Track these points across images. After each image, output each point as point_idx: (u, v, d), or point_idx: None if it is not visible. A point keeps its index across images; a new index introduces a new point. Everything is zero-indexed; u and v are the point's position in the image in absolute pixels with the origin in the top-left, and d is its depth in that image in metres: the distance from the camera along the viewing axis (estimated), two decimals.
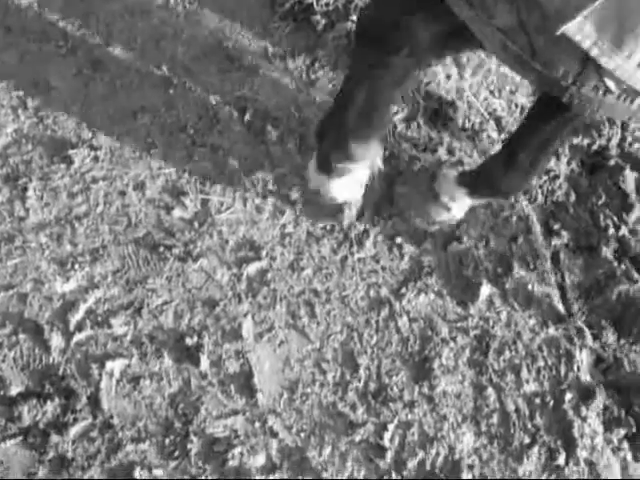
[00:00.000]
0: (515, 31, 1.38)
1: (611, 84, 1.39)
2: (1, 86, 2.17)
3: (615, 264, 2.64)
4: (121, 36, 2.36)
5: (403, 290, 2.26)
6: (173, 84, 2.32)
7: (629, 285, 2.61)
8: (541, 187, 2.70)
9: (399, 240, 2.33)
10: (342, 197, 2.20)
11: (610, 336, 2.51)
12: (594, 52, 1.34)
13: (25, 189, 2.07)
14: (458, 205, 2.34)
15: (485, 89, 2.76)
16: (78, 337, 1.93)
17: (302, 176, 2.31)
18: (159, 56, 2.36)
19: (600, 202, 2.75)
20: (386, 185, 2.36)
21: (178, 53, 2.39)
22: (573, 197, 2.73)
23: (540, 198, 2.67)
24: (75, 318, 1.94)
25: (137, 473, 1.82)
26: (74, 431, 1.84)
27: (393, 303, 2.23)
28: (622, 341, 2.52)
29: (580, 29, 1.32)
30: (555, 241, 2.61)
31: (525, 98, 2.85)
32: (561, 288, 2.55)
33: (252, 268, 2.13)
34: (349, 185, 2.17)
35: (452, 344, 2.23)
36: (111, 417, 1.86)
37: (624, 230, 2.71)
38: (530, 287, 2.43)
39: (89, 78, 2.27)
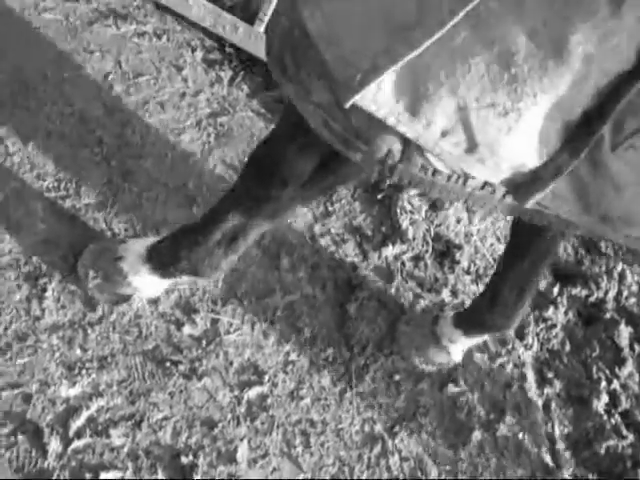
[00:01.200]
0: (332, 107, 1.30)
1: (439, 164, 1.29)
2: (35, 187, 2.26)
3: (605, 418, 2.68)
4: (153, 150, 2.47)
5: (397, 428, 2.30)
6: (197, 202, 2.41)
7: (618, 440, 2.65)
8: (537, 335, 2.77)
9: (397, 377, 2.38)
10: (146, 294, 2.17)
11: None
12: (390, 121, 1.24)
13: (44, 290, 2.13)
14: (456, 347, 2.40)
15: (492, 235, 2.87)
16: (76, 444, 1.96)
17: (310, 305, 2.39)
18: (186, 174, 2.46)
19: (594, 354, 2.82)
20: (389, 322, 2.43)
21: (205, 172, 2.50)
22: (568, 347, 2.80)
23: (536, 345, 2.74)
24: (76, 424, 1.97)
25: None
26: None
27: (386, 440, 2.26)
28: None
29: (374, 99, 1.23)
30: (547, 390, 2.67)
31: None
32: (550, 438, 2.59)
33: (253, 392, 2.18)
34: (162, 286, 2.16)
35: None
36: None
37: (616, 384, 2.77)
38: (521, 436, 2.47)
39: (118, 188, 2.37)
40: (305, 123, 1.39)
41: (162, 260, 2.01)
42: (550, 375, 2.72)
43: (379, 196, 2.71)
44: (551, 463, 2.49)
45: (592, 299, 2.94)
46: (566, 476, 2.51)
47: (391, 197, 2.72)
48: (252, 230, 1.89)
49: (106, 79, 2.56)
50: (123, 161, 2.40)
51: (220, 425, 2.09)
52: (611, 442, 2.64)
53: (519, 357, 2.64)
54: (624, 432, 2.67)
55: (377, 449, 2.24)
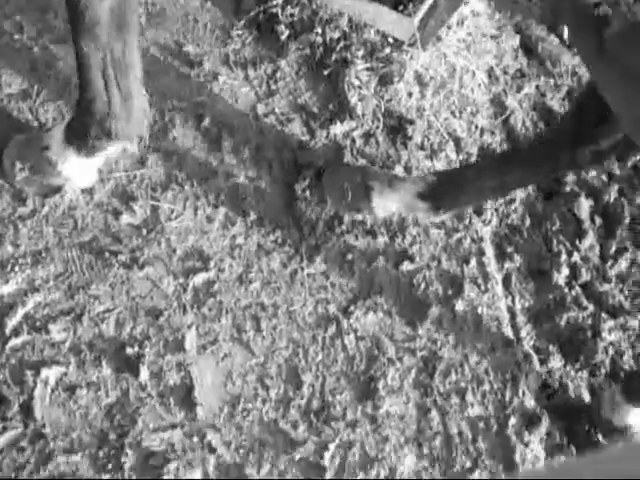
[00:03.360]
0: None
1: None
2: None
3: (566, 290, 2.65)
4: None
5: (352, 308, 2.23)
6: None
7: (578, 312, 2.62)
8: (496, 210, 2.70)
9: (350, 257, 2.31)
10: (79, 183, 2.06)
11: (557, 362, 2.52)
12: None
13: None
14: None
15: (446, 109, 2.76)
16: (14, 342, 1.87)
17: (256, 187, 2.29)
18: None
19: (554, 228, 2.76)
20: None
21: None
22: (528, 221, 2.74)
23: (495, 221, 2.68)
24: (12, 322, 1.89)
25: None
26: (3, 440, 1.78)
27: (341, 320, 2.21)
28: (568, 367, 2.53)
29: None
30: (507, 264, 2.62)
31: (486, 120, 2.85)
32: (511, 312, 2.56)
33: (199, 279, 2.09)
34: (90, 169, 2.05)
35: (398, 364, 2.22)
36: (43, 426, 1.80)
37: (576, 257, 2.73)
38: (480, 310, 2.43)
39: (42, 75, 2.21)
40: None
41: (77, 134, 1.88)
42: (510, 250, 2.66)
43: (325, 72, 2.57)
44: (511, 336, 2.45)
45: None
46: (526, 348, 2.48)
47: (338, 73, 2.58)
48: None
49: None
50: (46, 47, 2.24)
51: (166, 314, 2.02)
52: (571, 313, 2.61)
53: (477, 232, 2.57)
54: (584, 303, 2.64)
55: (332, 330, 2.18)
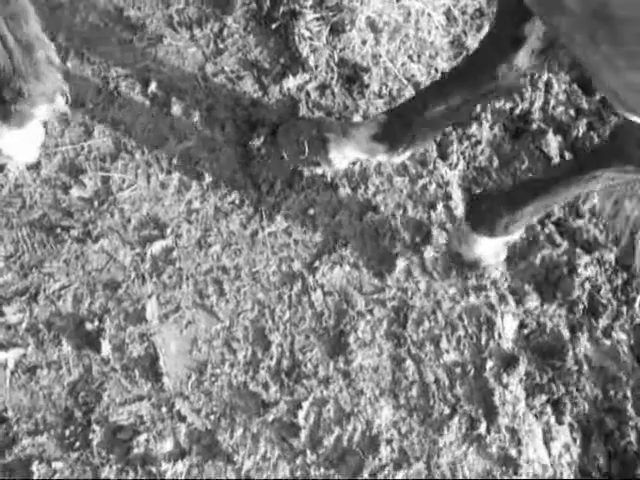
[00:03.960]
0: None
1: None
2: None
3: (538, 228, 2.61)
4: None
5: (317, 263, 2.19)
6: (70, 56, 2.20)
7: (552, 249, 2.58)
8: (462, 153, 2.65)
9: (312, 212, 2.26)
10: (21, 158, 1.98)
11: (533, 301, 2.49)
12: None
13: None
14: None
15: (403, 54, 2.69)
16: None
17: (209, 149, 2.23)
18: (55, 25, 2.23)
19: (523, 167, 2.71)
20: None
21: (76, 22, 2.27)
22: (496, 162, 2.69)
23: (462, 164, 2.63)
24: None
25: (35, 467, 1.73)
26: None
27: (306, 277, 2.16)
28: (545, 306, 2.50)
29: None
30: None
31: (446, 62, 2.79)
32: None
33: (156, 247, 2.05)
34: (30, 143, 1.97)
35: (369, 317, 2.18)
36: (5, 410, 1.77)
37: None
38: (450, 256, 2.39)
39: None
40: None
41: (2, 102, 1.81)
42: (478, 192, 2.61)
43: (273, 25, 2.50)
44: (484, 281, 2.41)
45: (517, 111, 2.80)
46: (502, 290, 2.45)
47: (287, 25, 2.50)
48: None
49: None
50: None
51: (124, 285, 1.97)
52: (545, 252, 2.57)
53: (442, 177, 2.52)
54: (558, 240, 2.60)
55: (297, 287, 2.14)
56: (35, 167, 2.02)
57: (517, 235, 2.30)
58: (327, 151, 2.25)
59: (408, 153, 2.24)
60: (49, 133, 2.08)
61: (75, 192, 2.03)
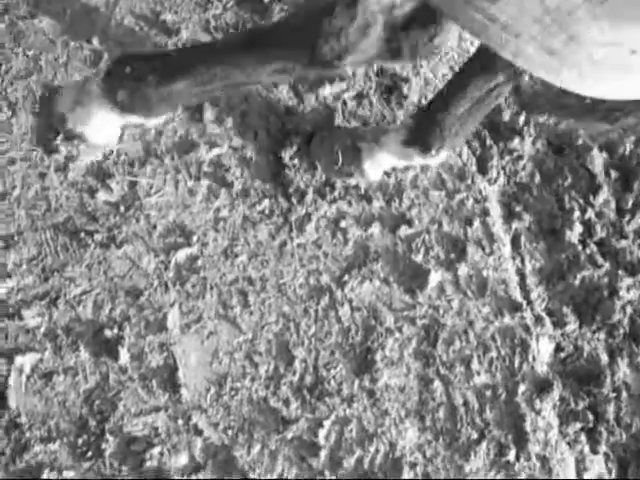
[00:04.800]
0: None
1: None
2: None
3: (579, 248, 2.52)
4: (48, 7, 2.21)
5: (346, 277, 2.13)
6: (103, 59, 2.17)
7: (593, 270, 2.49)
8: (504, 168, 2.58)
9: (344, 224, 2.20)
10: (98, 140, 1.98)
11: (571, 324, 2.40)
12: None
13: None
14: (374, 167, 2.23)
15: (445, 64, 2.62)
16: None
17: (240, 157, 2.18)
18: (89, 29, 2.21)
19: (566, 184, 2.62)
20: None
21: (111, 26, 2.25)
22: (538, 178, 2.61)
23: (502, 179, 2.55)
24: None
25: (46, 475, 1.70)
26: None
27: (334, 291, 2.10)
28: (584, 329, 2.41)
29: None
30: (516, 224, 2.49)
31: None
32: (520, 274, 2.43)
33: (181, 255, 2.00)
34: (115, 128, 1.97)
35: (397, 334, 2.11)
36: (18, 415, 1.74)
37: (590, 213, 2.59)
38: (485, 273, 2.31)
39: (9, 53, 2.13)
40: None
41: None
42: (519, 209, 2.53)
43: None
44: (519, 299, 2.33)
45: (562, 126, 2.72)
46: (538, 311, 2.36)
47: None
48: None
49: None
50: (13, 23, 2.15)
51: (146, 293, 1.93)
52: (586, 272, 2.48)
53: (480, 192, 2.44)
54: (599, 261, 2.50)
55: (324, 301, 2.08)
56: (63, 170, 2.00)
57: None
58: (361, 161, 2.19)
59: (444, 154, 2.18)
60: None
61: (101, 196, 2.00)
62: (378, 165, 2.21)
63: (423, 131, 2.09)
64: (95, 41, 2.21)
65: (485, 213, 2.41)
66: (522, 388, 2.18)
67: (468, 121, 2.06)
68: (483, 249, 2.34)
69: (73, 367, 1.81)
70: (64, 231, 1.94)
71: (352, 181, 2.25)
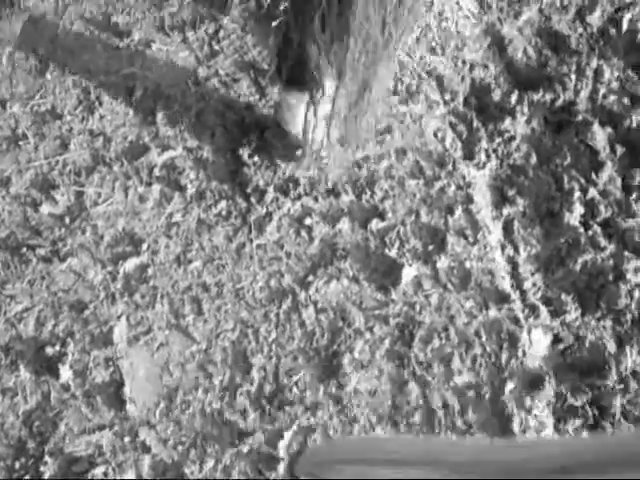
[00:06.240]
0: None
1: None
2: None
3: (580, 231, 2.34)
4: None
5: (310, 278, 2.01)
6: (49, 68, 2.11)
7: (595, 253, 2.31)
8: (495, 151, 2.42)
9: (309, 221, 2.08)
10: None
11: (572, 312, 2.23)
12: None
13: None
14: None
15: (423, 47, 2.48)
16: None
17: (195, 158, 2.08)
18: (36, 37, 2.15)
19: (565, 163, 2.45)
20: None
21: (59, 32, 2.18)
22: (534, 159, 2.44)
23: (493, 163, 2.40)
24: None
25: None
26: None
27: (298, 293, 1.99)
28: (587, 317, 2.23)
29: None
30: (508, 209, 2.33)
31: (475, 53, 2.57)
32: (512, 262, 2.27)
33: (130, 264, 1.92)
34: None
35: (368, 335, 1.98)
36: None
37: (593, 192, 2.41)
38: (468, 264, 2.16)
39: None
40: None
41: None
42: (512, 193, 2.37)
43: (274, 23, 2.34)
44: (508, 289, 2.17)
45: (559, 103, 2.54)
46: (533, 301, 2.20)
47: (288, 22, 2.34)
48: None
49: None
50: None
51: (92, 306, 1.85)
52: (587, 256, 2.30)
53: (464, 178, 2.29)
54: (602, 243, 2.32)
55: (286, 304, 1.96)
56: (5, 184, 1.93)
57: None
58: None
59: None
60: (22, 148, 1.99)
61: (45, 209, 1.93)
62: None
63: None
64: (42, 50, 2.14)
65: (469, 200, 2.25)
66: (510, 386, 2.02)
67: None
68: (466, 238, 2.19)
69: (12, 388, 1.74)
70: (5, 247, 1.87)
71: (316, 176, 2.13)
